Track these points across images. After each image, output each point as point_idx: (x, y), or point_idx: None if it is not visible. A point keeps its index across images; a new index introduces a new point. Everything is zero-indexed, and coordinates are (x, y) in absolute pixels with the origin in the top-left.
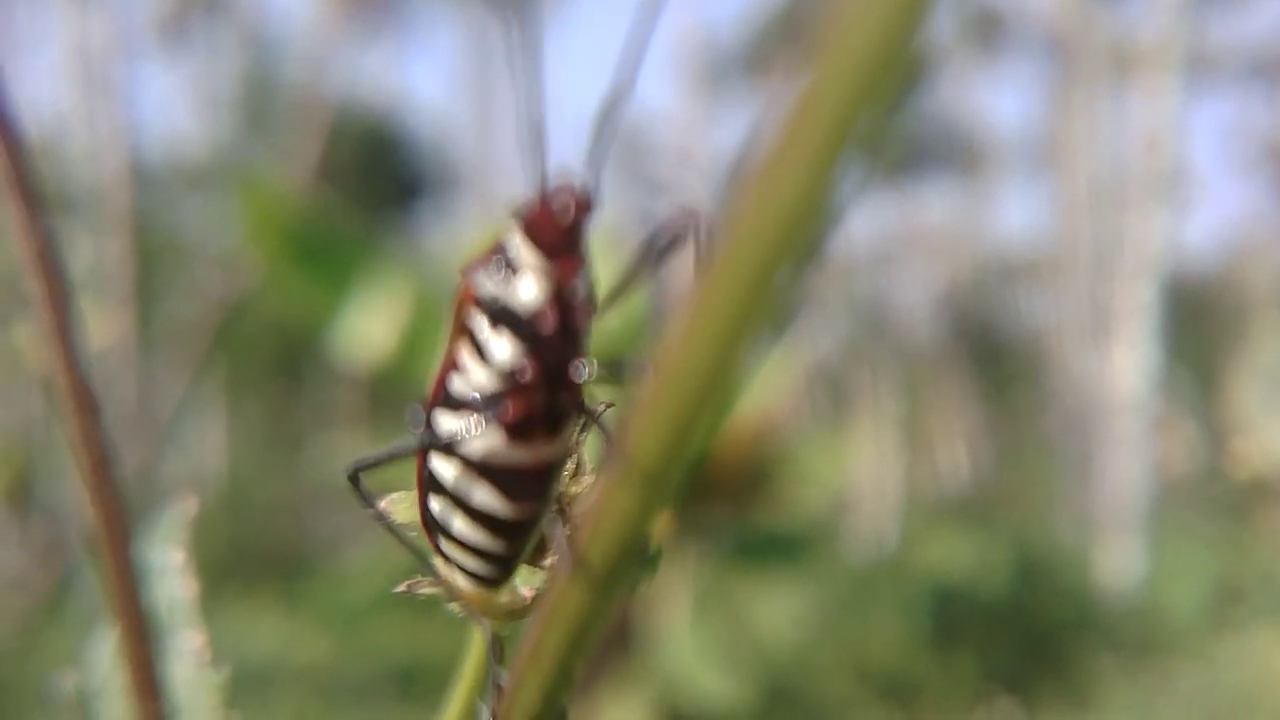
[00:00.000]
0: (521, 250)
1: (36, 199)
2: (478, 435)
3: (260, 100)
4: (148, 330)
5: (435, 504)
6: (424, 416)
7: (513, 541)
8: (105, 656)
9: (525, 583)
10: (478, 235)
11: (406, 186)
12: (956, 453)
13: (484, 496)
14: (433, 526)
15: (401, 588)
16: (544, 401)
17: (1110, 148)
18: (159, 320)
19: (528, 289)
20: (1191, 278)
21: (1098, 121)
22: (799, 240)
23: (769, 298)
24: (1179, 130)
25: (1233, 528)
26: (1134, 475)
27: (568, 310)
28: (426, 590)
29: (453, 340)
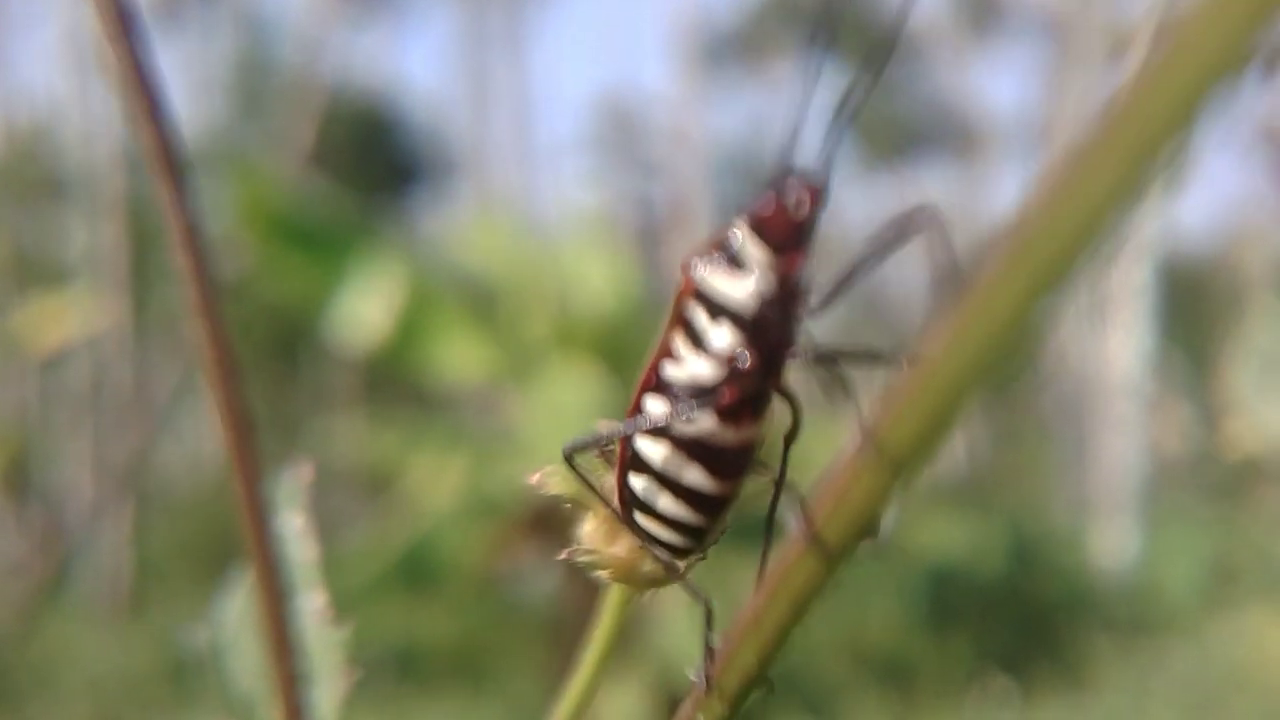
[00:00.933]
0: (748, 245)
1: (181, 177)
2: (691, 418)
3: (255, 83)
4: (143, 315)
5: (638, 482)
6: (635, 401)
7: (712, 515)
8: (234, 614)
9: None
10: (472, 218)
11: (401, 170)
12: (953, 435)
13: (693, 475)
14: (631, 503)
15: (563, 555)
16: (756, 387)
17: None
18: (154, 305)
19: (754, 284)
20: (1187, 260)
21: (1093, 102)
22: (1085, 253)
23: (1038, 310)
24: None
25: (1227, 508)
26: (1129, 457)
27: (789, 302)
28: (583, 558)
29: (669, 329)
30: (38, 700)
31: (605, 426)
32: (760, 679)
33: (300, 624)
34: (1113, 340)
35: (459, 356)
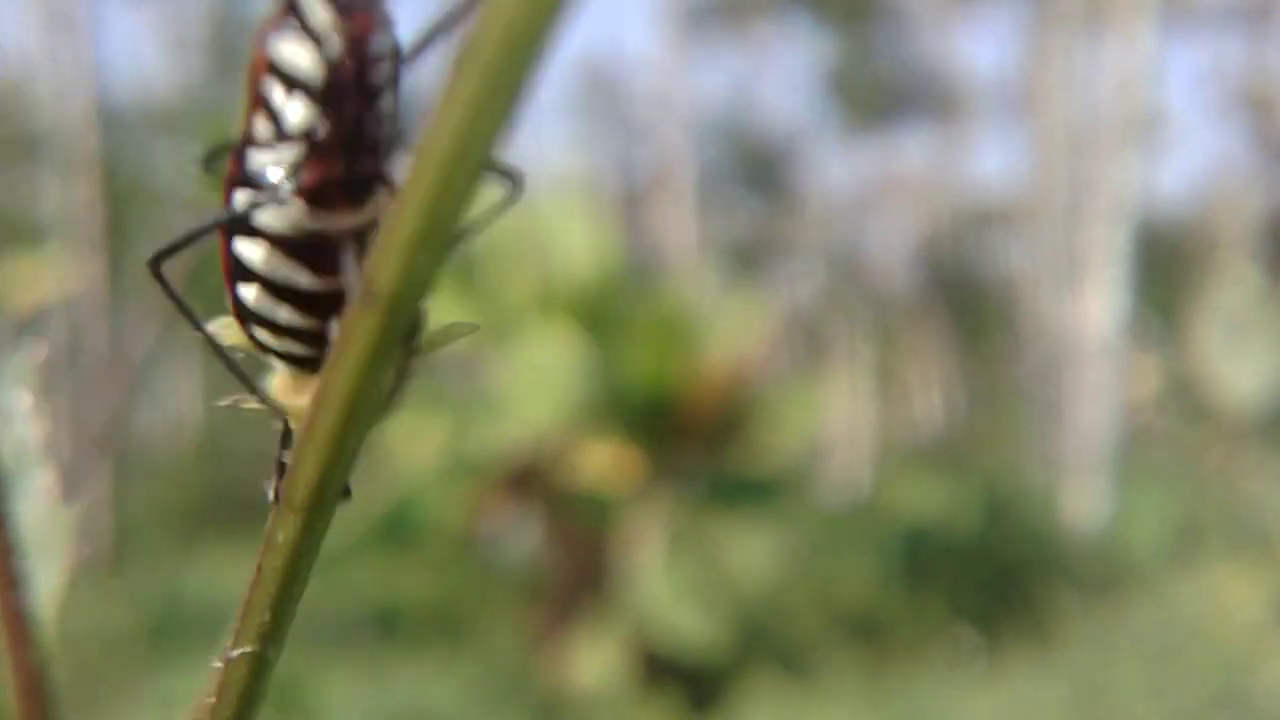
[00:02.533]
0: (315, 6)
1: None
2: (277, 206)
3: (229, 41)
4: (119, 275)
5: (248, 292)
6: (224, 196)
7: (326, 318)
8: None
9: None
10: None
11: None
12: (929, 398)
13: (292, 272)
14: (246, 317)
15: (225, 402)
16: (342, 166)
17: (1085, 93)
18: (130, 265)
19: (320, 50)
20: (1165, 223)
21: (1073, 67)
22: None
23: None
24: (1154, 76)
25: (1195, 467)
26: (1101, 418)
27: (364, 67)
28: (249, 405)
29: (248, 113)
30: None
31: (193, 224)
32: (331, 488)
33: (26, 504)
34: (1089, 303)
35: (439, 319)
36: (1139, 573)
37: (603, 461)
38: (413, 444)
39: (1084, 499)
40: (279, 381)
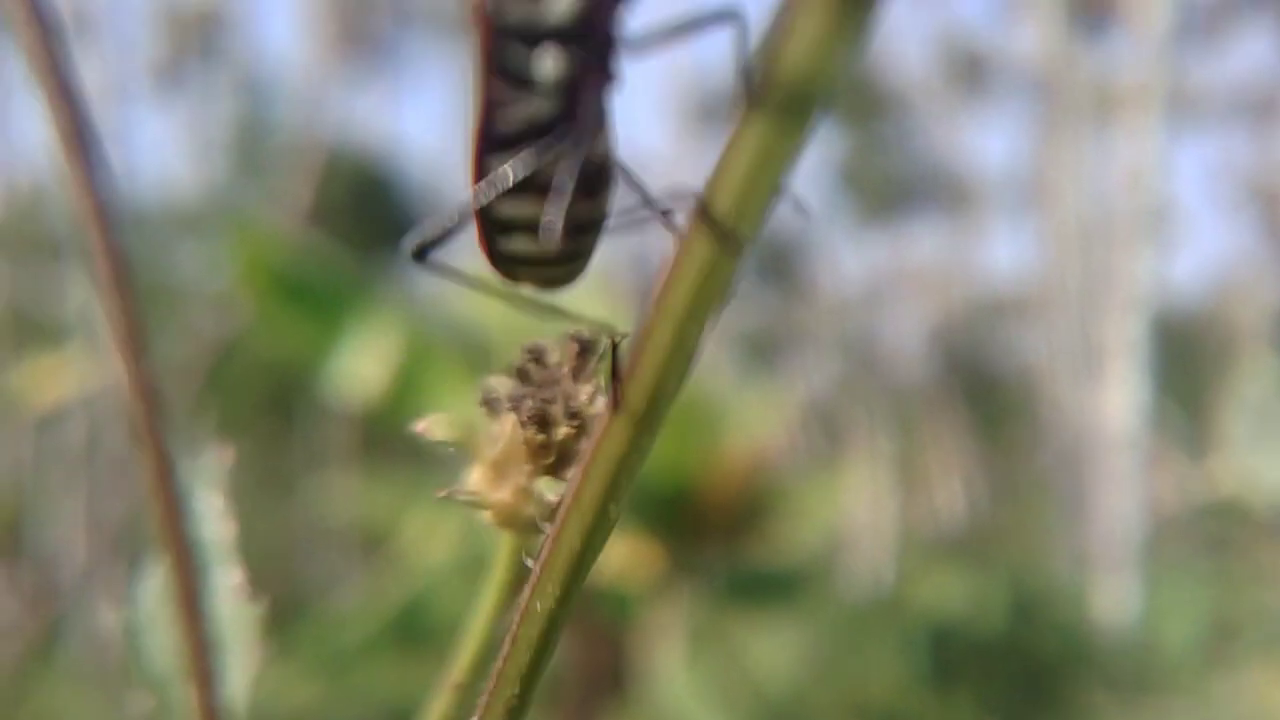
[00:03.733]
0: None
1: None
2: (547, 163)
3: (253, 143)
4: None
5: (501, 240)
6: (474, 170)
7: (580, 240)
8: (151, 594)
9: (550, 490)
10: (469, 272)
11: (399, 226)
12: (951, 489)
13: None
14: (499, 259)
15: (442, 493)
16: (594, 101)
17: (1096, 185)
18: (151, 363)
19: None
20: (1180, 314)
21: (1083, 159)
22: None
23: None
24: (1164, 168)
25: (1227, 563)
26: (1128, 511)
27: (604, 12)
28: (464, 497)
29: (484, 79)
30: None
31: (449, 211)
32: (589, 557)
33: (216, 601)
34: (1109, 394)
35: (456, 409)
36: (1172, 672)
37: (619, 555)
38: (425, 541)
39: (1113, 595)
40: (476, 473)
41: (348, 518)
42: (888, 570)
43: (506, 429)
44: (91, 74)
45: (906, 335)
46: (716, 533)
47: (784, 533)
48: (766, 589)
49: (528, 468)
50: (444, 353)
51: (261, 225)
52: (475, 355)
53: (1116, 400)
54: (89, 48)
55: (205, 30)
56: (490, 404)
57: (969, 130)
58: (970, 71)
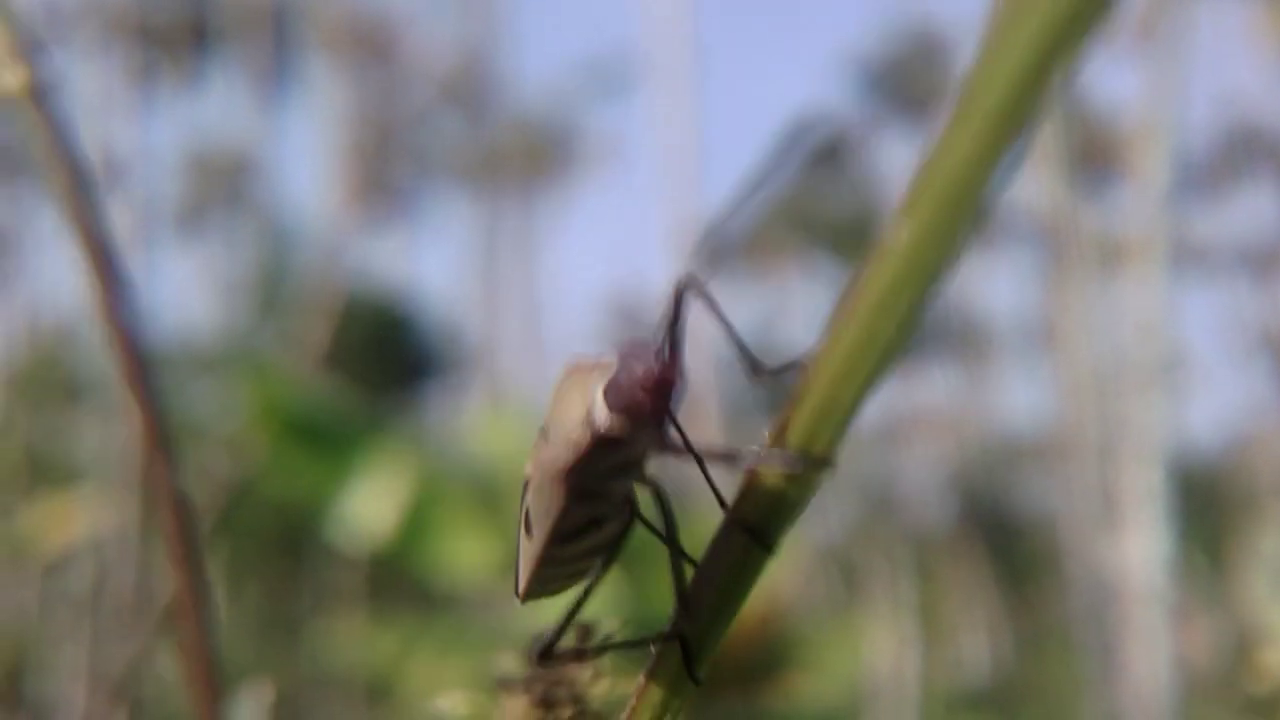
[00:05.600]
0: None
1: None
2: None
3: (273, 286)
4: (150, 519)
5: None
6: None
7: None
8: None
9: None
10: (482, 413)
11: (415, 367)
12: (974, 639)
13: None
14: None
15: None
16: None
17: (1107, 334)
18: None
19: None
20: (1200, 463)
21: (1092, 308)
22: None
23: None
24: (1172, 319)
25: None
26: (1157, 667)
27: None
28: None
29: (558, 519)
30: None
31: (551, 632)
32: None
33: None
34: (1130, 545)
35: (465, 553)
36: None
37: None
38: (432, 682)
39: None
40: (509, 708)
41: (352, 663)
42: None
43: (519, 708)
44: (118, 218)
45: (924, 480)
46: (732, 681)
47: (802, 684)
48: None
49: None
50: (454, 492)
51: (277, 368)
52: (485, 494)
53: (1139, 551)
54: (116, 193)
55: (230, 177)
56: (504, 685)
57: (979, 274)
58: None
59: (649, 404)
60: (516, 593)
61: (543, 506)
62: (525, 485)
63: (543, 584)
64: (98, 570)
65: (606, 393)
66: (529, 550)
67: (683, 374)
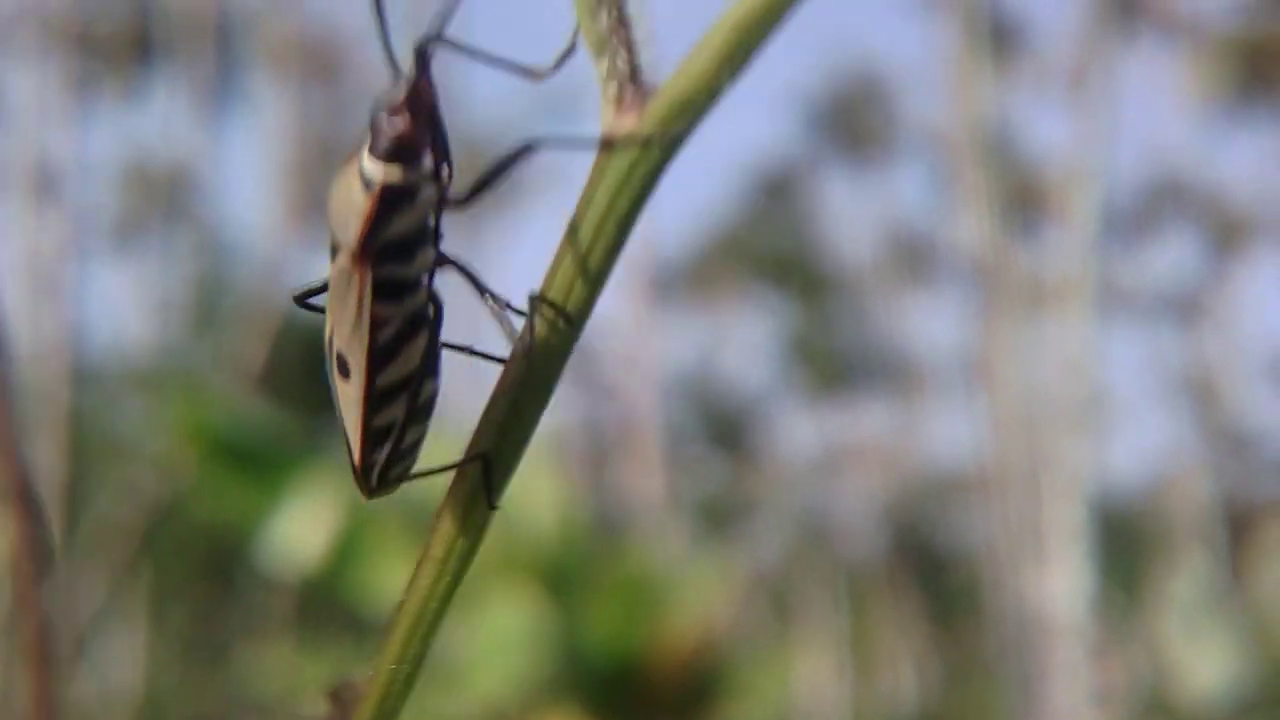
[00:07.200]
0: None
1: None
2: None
3: (210, 303)
4: (74, 532)
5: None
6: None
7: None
8: None
9: None
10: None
11: None
12: (903, 669)
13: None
14: (386, 465)
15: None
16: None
17: (1034, 372)
18: (87, 522)
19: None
20: (1121, 501)
21: (1021, 346)
22: None
23: None
24: (1097, 359)
25: None
26: (1076, 699)
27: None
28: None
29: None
30: None
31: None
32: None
33: None
34: (1052, 579)
35: (396, 579)
36: None
37: None
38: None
39: None
40: None
41: (281, 689)
42: None
43: None
44: (53, 232)
45: (856, 510)
46: (663, 709)
47: (734, 712)
48: None
49: None
50: (386, 519)
51: (208, 386)
52: (417, 522)
53: (1061, 586)
54: (50, 204)
55: (169, 191)
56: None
57: (913, 313)
58: (913, 258)
59: (411, 127)
60: (360, 487)
61: (350, 333)
62: (329, 342)
63: (383, 467)
64: (16, 591)
65: (371, 149)
66: (352, 409)
67: (431, 90)
